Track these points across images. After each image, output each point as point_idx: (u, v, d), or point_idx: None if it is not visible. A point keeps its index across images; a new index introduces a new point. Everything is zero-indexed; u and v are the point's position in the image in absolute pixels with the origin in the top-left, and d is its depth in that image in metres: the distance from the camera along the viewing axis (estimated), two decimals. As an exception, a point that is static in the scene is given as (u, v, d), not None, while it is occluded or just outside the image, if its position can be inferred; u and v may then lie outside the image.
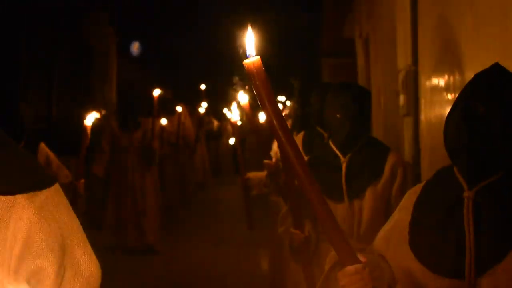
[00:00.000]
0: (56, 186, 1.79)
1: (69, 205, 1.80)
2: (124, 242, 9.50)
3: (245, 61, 2.02)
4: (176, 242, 10.74)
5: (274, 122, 2.09)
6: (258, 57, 2.02)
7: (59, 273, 1.70)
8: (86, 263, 1.77)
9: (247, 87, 5.31)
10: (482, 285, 2.40)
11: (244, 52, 2.03)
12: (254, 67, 2.01)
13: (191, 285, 8.27)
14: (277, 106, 2.09)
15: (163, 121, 11.15)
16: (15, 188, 1.70)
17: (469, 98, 2.49)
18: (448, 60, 4.95)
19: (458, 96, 2.57)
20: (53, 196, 1.76)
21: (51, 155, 6.19)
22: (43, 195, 1.73)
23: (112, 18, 15.06)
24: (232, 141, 16.72)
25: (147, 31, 18.24)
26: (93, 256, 1.81)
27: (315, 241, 3.96)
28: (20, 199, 1.69)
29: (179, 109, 13.46)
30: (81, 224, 1.81)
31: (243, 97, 5.04)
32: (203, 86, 17.00)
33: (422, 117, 5.99)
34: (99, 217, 9.80)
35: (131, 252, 9.46)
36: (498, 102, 2.41)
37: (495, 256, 2.38)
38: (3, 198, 1.68)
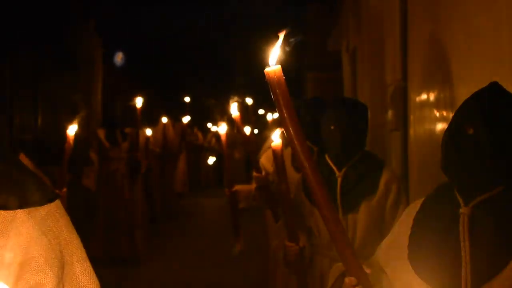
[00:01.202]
0: (57, 202, 1.79)
1: (70, 222, 1.79)
2: (113, 253, 9.48)
3: (267, 69, 2.02)
4: (160, 253, 10.74)
5: (291, 131, 2.09)
6: (279, 66, 2.03)
7: None
8: (86, 280, 1.76)
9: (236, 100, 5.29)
10: (478, 299, 2.42)
11: (267, 61, 2.04)
12: (275, 75, 2.02)
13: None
14: (295, 115, 2.09)
15: (148, 132, 11.15)
16: (16, 202, 1.69)
17: (460, 119, 2.52)
18: (439, 76, 4.96)
19: (453, 116, 2.59)
20: (53, 212, 1.75)
21: (31, 165, 6.17)
22: (43, 211, 1.73)
23: (99, 28, 15.04)
24: (211, 160, 16.57)
25: (133, 41, 18.21)
26: (93, 273, 1.80)
27: (310, 253, 3.97)
28: (21, 214, 1.68)
29: (164, 120, 13.47)
30: None
31: (234, 109, 5.04)
32: (187, 99, 16.96)
33: (411, 132, 6.00)
34: (86, 229, 9.76)
35: (115, 263, 9.43)
36: (487, 124, 2.43)
37: (490, 271, 2.39)
38: (3, 212, 1.67)
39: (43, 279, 1.67)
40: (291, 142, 2.11)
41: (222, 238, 10.79)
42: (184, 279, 9.00)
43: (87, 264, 1.79)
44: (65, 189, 6.14)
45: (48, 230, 1.71)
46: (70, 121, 6.12)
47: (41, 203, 1.74)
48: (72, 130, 5.95)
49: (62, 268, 1.71)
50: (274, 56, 2.03)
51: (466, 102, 2.55)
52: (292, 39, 2.10)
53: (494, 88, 2.52)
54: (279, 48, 2.04)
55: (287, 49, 2.08)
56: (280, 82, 2.04)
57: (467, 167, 2.47)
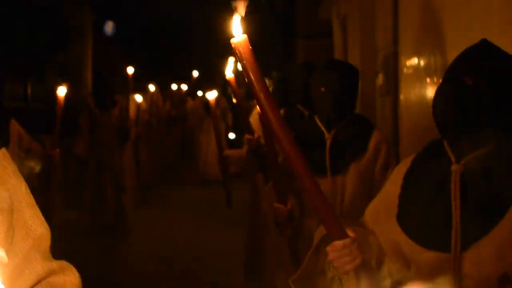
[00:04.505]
0: (3, 150, 1.78)
1: (17, 170, 1.77)
2: (102, 220, 9.52)
3: (232, 40, 2.02)
4: (153, 220, 10.79)
5: (262, 98, 2.10)
6: (245, 36, 2.02)
7: (8, 233, 1.68)
8: (36, 224, 1.74)
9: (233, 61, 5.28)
10: (467, 258, 2.42)
11: (232, 31, 2.04)
12: (241, 46, 2.02)
13: (168, 261, 8.30)
14: (265, 82, 2.10)
15: (138, 98, 11.15)
16: None
17: (458, 71, 2.51)
18: (429, 41, 4.97)
19: (447, 70, 2.59)
20: (0, 160, 1.75)
21: (22, 131, 6.18)
22: None
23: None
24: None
25: (124, 9, 18.09)
26: (42, 218, 1.78)
27: (299, 215, 3.99)
28: None
29: (151, 88, 13.45)
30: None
31: (228, 71, 5.03)
32: (195, 73, 16.87)
33: (402, 96, 6.02)
34: (78, 197, 9.78)
35: (108, 230, 9.48)
36: (486, 75, 2.43)
37: (480, 230, 2.40)
38: None
39: None
40: (261, 108, 2.12)
41: (213, 204, 10.87)
42: (174, 247, 9.03)
43: (36, 209, 1.77)
44: (57, 150, 6.19)
45: None
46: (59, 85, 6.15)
47: None
48: (62, 91, 5.97)
49: (11, 213, 1.70)
50: (239, 26, 2.03)
51: (463, 55, 2.55)
52: (255, 7, 2.10)
53: (486, 44, 2.53)
54: (241, 17, 2.04)
55: (252, 17, 2.08)
56: (247, 52, 2.03)
57: (466, 121, 2.45)
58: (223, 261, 8.18)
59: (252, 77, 2.06)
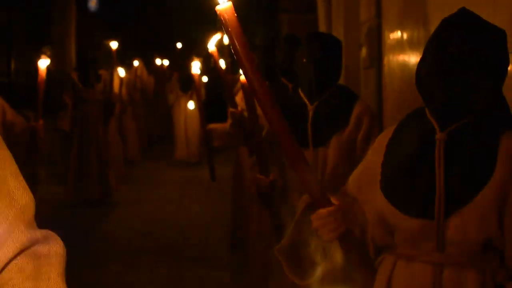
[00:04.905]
0: None
1: (2, 140, 1.74)
2: (87, 195, 9.53)
3: (218, 7, 2.01)
4: (138, 194, 10.81)
5: (247, 67, 2.10)
6: (230, 3, 2.02)
7: None
8: (20, 194, 1.70)
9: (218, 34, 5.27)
10: (450, 225, 2.45)
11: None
12: (226, 13, 2.01)
13: (152, 234, 8.34)
14: (249, 51, 2.10)
15: (121, 73, 11.12)
16: None
17: (441, 40, 2.50)
18: (413, 14, 4.98)
19: (429, 40, 2.58)
20: None
21: (6, 105, 6.17)
22: None
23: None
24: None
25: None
26: (27, 188, 1.74)
27: (282, 187, 4.01)
28: None
29: (135, 63, 13.41)
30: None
31: (211, 44, 5.03)
32: (179, 45, 16.77)
33: (385, 69, 6.03)
34: (63, 172, 9.78)
35: (93, 205, 9.51)
36: (469, 43, 2.43)
37: (463, 198, 2.42)
38: None
39: None
40: (247, 77, 2.12)
41: (197, 179, 10.90)
42: (159, 221, 9.05)
43: (21, 179, 1.73)
44: (41, 122, 6.19)
45: None
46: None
47: None
48: (43, 63, 5.95)
49: None
50: None
51: (444, 24, 2.54)
52: None
53: (466, 12, 2.53)
54: None
55: None
56: (232, 20, 2.03)
57: (451, 90, 2.45)
58: (208, 235, 8.23)
59: (237, 44, 2.06)
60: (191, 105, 12.73)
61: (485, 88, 2.45)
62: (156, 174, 12.78)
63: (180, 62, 13.78)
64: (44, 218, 1.97)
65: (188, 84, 12.79)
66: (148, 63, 15.47)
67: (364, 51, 6.73)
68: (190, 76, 9.33)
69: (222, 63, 5.74)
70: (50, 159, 9.98)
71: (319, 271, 2.61)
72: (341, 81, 5.49)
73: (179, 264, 7.27)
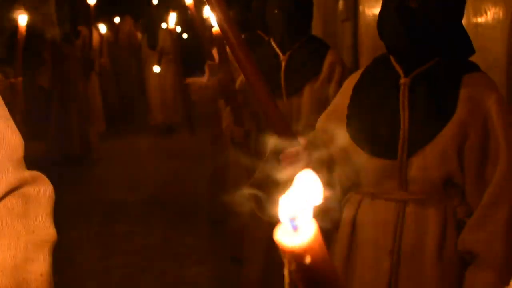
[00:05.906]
0: None
1: None
2: (68, 151, 9.56)
3: None
4: (119, 150, 10.86)
5: (221, 17, 2.16)
6: None
7: None
8: (9, 134, 1.71)
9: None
10: (412, 164, 2.55)
11: None
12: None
13: (135, 190, 8.37)
14: (225, 4, 2.15)
15: (103, 29, 11.06)
16: None
17: None
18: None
19: None
20: None
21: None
22: None
23: None
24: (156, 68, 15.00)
25: None
26: (16, 129, 1.75)
27: (256, 136, 4.07)
28: None
29: (116, 20, 13.26)
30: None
31: None
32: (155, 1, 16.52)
33: (361, 22, 6.07)
34: (43, 129, 9.78)
35: (75, 160, 9.56)
36: None
37: (425, 138, 2.53)
38: None
39: None
40: (221, 28, 2.17)
41: (177, 133, 10.93)
42: (141, 176, 9.09)
43: (10, 121, 1.74)
44: (20, 78, 6.18)
45: None
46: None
47: None
48: (22, 19, 5.93)
49: None
50: None
51: None
52: None
53: None
54: None
55: None
56: None
57: (412, 41, 2.52)
58: (189, 188, 8.28)
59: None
60: (156, 69, 11.94)
61: (445, 36, 2.54)
62: (138, 129, 12.65)
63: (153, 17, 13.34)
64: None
65: (155, 40, 12.13)
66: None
67: (340, 4, 6.76)
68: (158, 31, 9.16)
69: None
70: (30, 115, 9.97)
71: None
72: (319, 34, 5.54)
73: (167, 216, 7.35)
